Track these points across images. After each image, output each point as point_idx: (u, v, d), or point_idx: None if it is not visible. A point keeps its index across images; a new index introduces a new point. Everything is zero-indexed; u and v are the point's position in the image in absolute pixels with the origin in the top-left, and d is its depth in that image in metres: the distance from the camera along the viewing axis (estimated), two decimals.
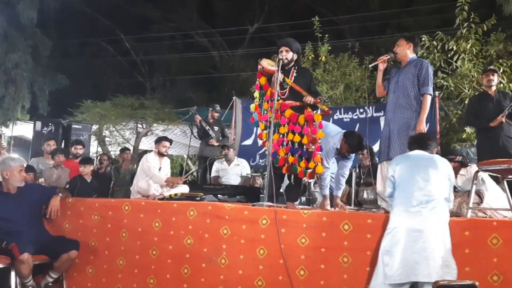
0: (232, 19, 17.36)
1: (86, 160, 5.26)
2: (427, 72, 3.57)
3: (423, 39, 7.02)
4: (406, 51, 3.71)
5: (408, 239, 2.70)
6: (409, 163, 3.01)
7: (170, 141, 5.29)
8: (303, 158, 3.78)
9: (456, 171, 4.14)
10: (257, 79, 3.96)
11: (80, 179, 5.00)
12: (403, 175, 2.94)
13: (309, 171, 3.79)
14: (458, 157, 4.35)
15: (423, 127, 3.52)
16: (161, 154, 5.11)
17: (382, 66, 3.78)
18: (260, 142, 5.99)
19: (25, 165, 3.93)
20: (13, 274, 3.27)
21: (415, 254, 2.66)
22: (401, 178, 2.94)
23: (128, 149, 7.35)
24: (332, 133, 4.09)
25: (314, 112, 3.82)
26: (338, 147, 4.06)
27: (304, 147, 3.80)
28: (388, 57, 3.77)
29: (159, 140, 5.22)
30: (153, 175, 4.88)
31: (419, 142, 3.13)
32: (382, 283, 2.69)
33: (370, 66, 3.98)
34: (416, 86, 3.58)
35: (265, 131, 3.92)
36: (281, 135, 3.81)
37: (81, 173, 5.04)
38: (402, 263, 2.67)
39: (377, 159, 4.89)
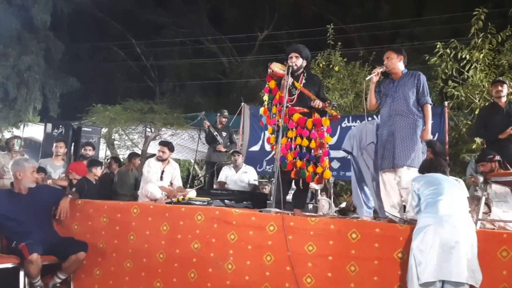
0: (242, 26, 17.49)
1: (96, 162, 5.36)
2: (424, 83, 3.62)
3: (437, 46, 6.99)
4: (398, 64, 3.69)
5: (439, 238, 2.71)
6: (431, 178, 3.08)
7: (167, 145, 5.21)
8: (311, 162, 3.78)
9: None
10: (267, 83, 4.00)
11: (86, 181, 5.09)
12: (428, 187, 3.00)
13: (317, 176, 3.80)
14: (497, 156, 4.03)
15: (430, 136, 3.58)
16: (159, 159, 5.12)
17: (375, 79, 3.75)
18: (268, 146, 5.98)
19: (37, 166, 3.98)
20: (22, 274, 3.29)
21: (446, 253, 2.67)
22: (426, 191, 2.99)
23: (138, 155, 7.29)
24: None
25: (322, 117, 3.83)
26: None
27: (312, 151, 3.80)
28: (382, 69, 3.74)
29: (158, 145, 5.26)
30: (149, 180, 4.88)
31: (435, 166, 3.19)
32: (417, 284, 2.69)
33: (366, 79, 3.97)
34: (415, 96, 3.60)
35: (273, 135, 3.95)
36: (289, 139, 3.82)
37: (89, 176, 5.16)
38: (435, 261, 2.67)
39: None
